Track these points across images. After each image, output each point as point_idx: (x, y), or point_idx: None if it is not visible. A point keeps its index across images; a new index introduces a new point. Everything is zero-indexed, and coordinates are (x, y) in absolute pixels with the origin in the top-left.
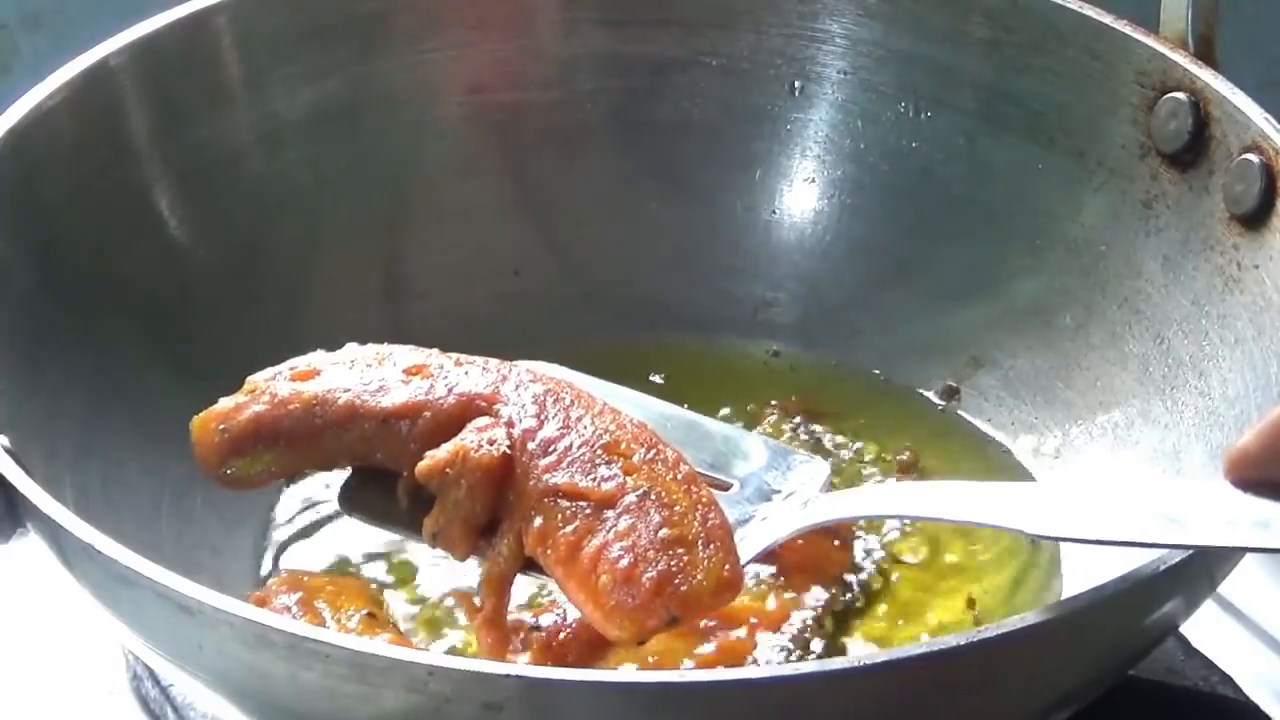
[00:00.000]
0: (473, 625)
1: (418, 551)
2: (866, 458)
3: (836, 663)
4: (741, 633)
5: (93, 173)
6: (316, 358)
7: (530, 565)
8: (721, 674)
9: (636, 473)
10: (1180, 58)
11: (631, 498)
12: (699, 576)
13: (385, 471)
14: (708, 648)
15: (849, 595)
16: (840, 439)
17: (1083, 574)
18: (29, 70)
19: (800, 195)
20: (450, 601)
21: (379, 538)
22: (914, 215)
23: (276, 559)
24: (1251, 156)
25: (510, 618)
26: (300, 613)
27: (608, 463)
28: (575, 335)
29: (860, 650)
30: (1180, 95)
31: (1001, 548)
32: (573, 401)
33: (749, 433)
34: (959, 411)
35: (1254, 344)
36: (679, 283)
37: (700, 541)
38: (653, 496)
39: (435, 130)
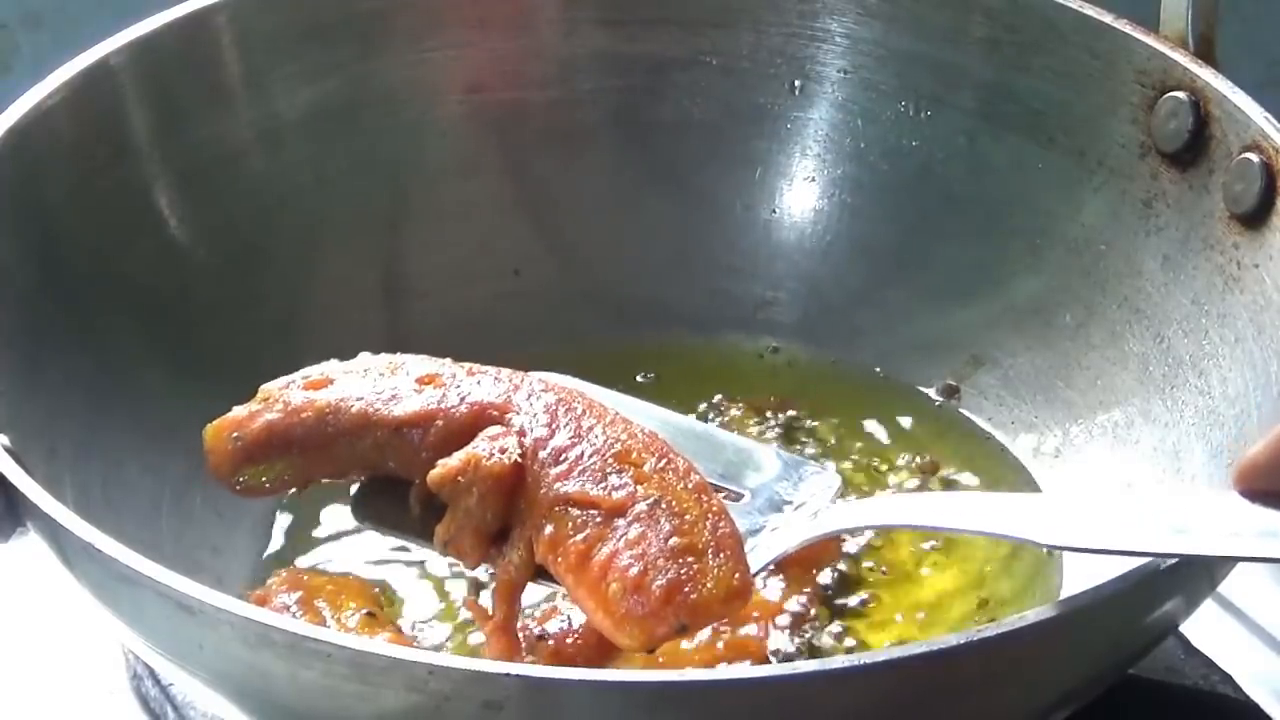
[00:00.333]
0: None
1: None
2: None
3: (836, 662)
4: (752, 629)
5: (93, 172)
6: (329, 366)
7: (541, 573)
8: (721, 673)
9: (647, 482)
10: (1180, 57)
11: (642, 506)
12: (709, 585)
13: (397, 480)
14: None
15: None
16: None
17: (1083, 573)
18: (29, 69)
19: (800, 194)
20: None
21: (379, 538)
22: (914, 214)
23: (276, 558)
24: (1251, 156)
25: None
26: (300, 612)
27: (619, 471)
28: (575, 334)
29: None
30: (1180, 94)
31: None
32: (584, 411)
33: (760, 444)
34: (960, 410)
35: (1254, 343)
36: (679, 282)
37: (710, 550)
38: (663, 505)
39: (435, 129)
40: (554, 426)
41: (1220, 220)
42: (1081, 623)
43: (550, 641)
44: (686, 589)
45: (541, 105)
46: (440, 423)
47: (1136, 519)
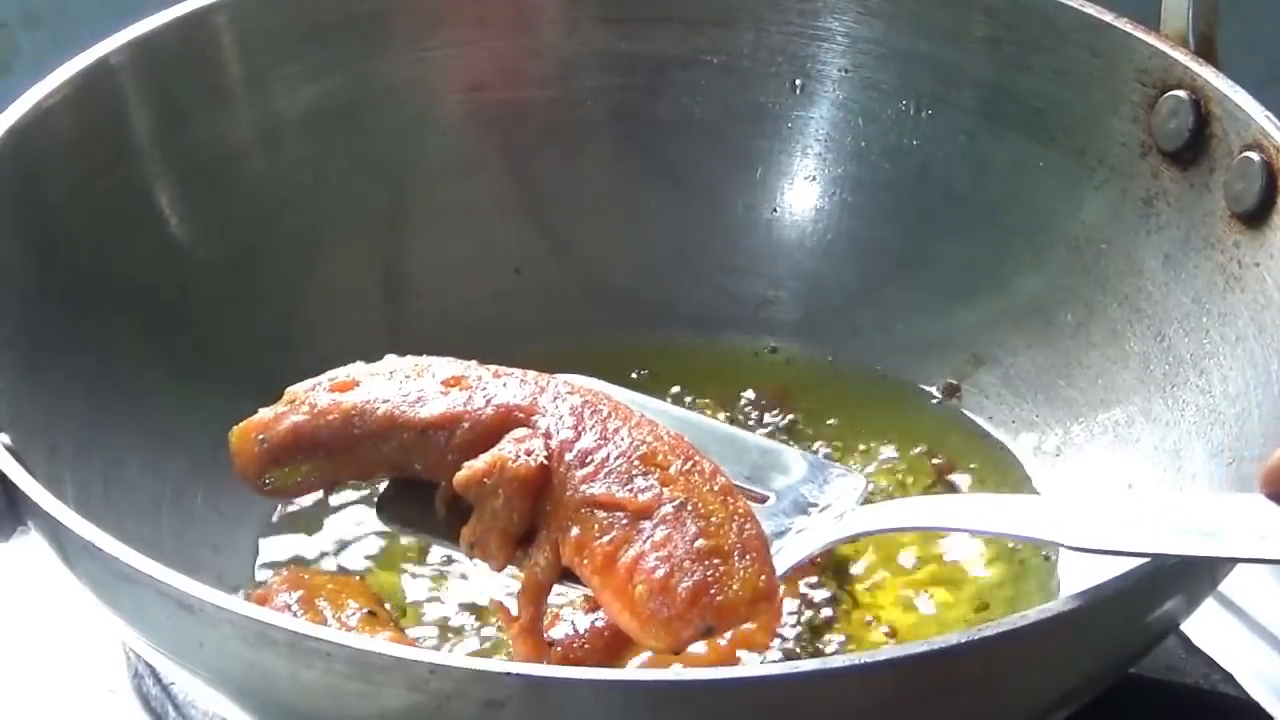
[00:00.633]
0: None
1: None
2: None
3: (837, 661)
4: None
5: (93, 171)
6: (356, 369)
7: (567, 575)
8: (722, 672)
9: (673, 484)
10: (1181, 55)
11: (668, 508)
12: (735, 587)
13: (423, 482)
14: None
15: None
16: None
17: (1082, 572)
18: (29, 69)
19: (801, 193)
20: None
21: (380, 538)
22: (915, 213)
23: (277, 557)
24: (1252, 154)
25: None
26: (301, 611)
27: (644, 474)
28: (576, 334)
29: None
30: (1181, 93)
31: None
32: (610, 413)
33: (786, 446)
34: (961, 409)
35: (1255, 342)
36: (680, 281)
37: (736, 552)
38: (689, 507)
39: (436, 129)
40: (580, 429)
41: (1221, 219)
42: (1082, 622)
43: (558, 648)
44: (712, 591)
45: (542, 104)
46: (466, 425)
47: (1166, 521)
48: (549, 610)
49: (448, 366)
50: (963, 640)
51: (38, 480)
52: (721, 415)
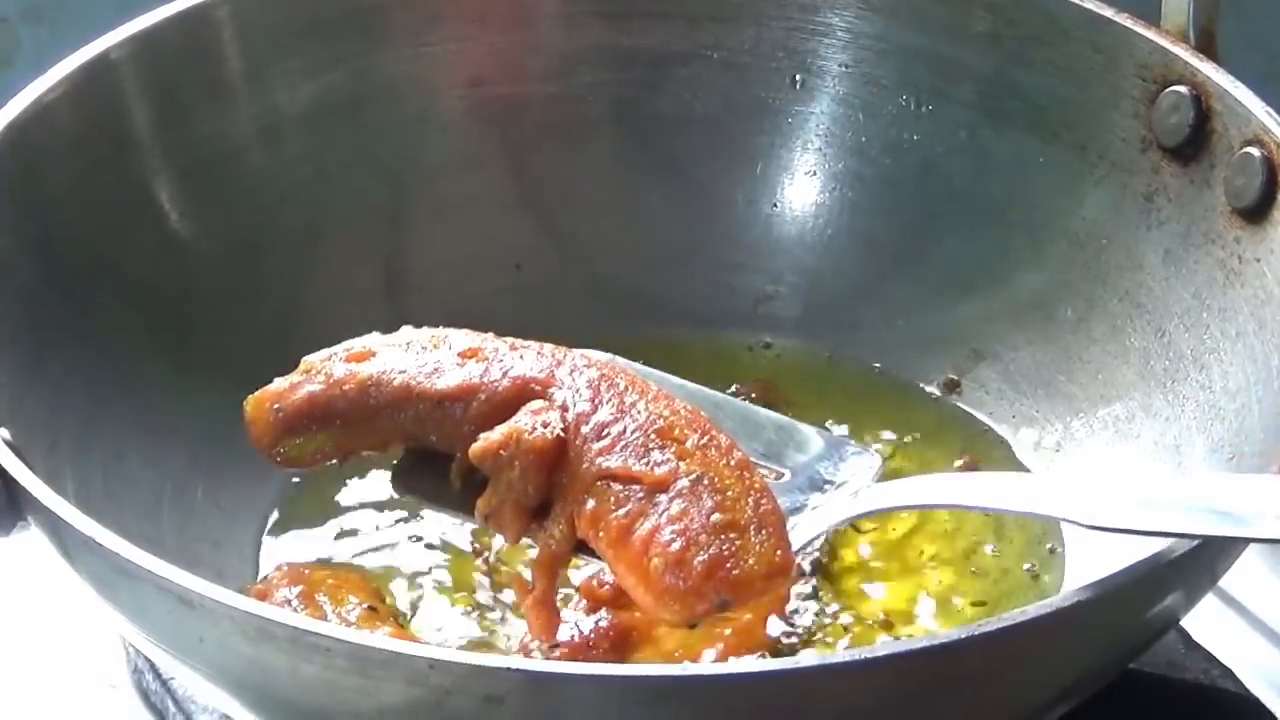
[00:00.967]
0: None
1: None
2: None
3: (837, 656)
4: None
5: (93, 166)
6: (372, 339)
7: (582, 548)
8: (721, 668)
9: (689, 458)
10: (1181, 51)
11: (684, 482)
12: (750, 561)
13: (438, 453)
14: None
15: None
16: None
17: (1084, 567)
18: (30, 63)
19: (801, 188)
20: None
21: (380, 532)
22: (915, 209)
23: (277, 552)
24: (1253, 150)
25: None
26: (301, 606)
27: (661, 447)
28: (577, 329)
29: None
30: (1181, 89)
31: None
32: (627, 387)
33: (802, 424)
34: (960, 405)
35: (1255, 337)
36: (680, 276)
37: (752, 527)
38: (705, 481)
39: (436, 124)
40: (597, 402)
41: (1221, 214)
42: (1082, 617)
43: (564, 649)
44: (728, 565)
45: (542, 99)
46: (482, 397)
47: (1184, 501)
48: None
49: (464, 338)
50: (964, 635)
51: (38, 475)
52: None
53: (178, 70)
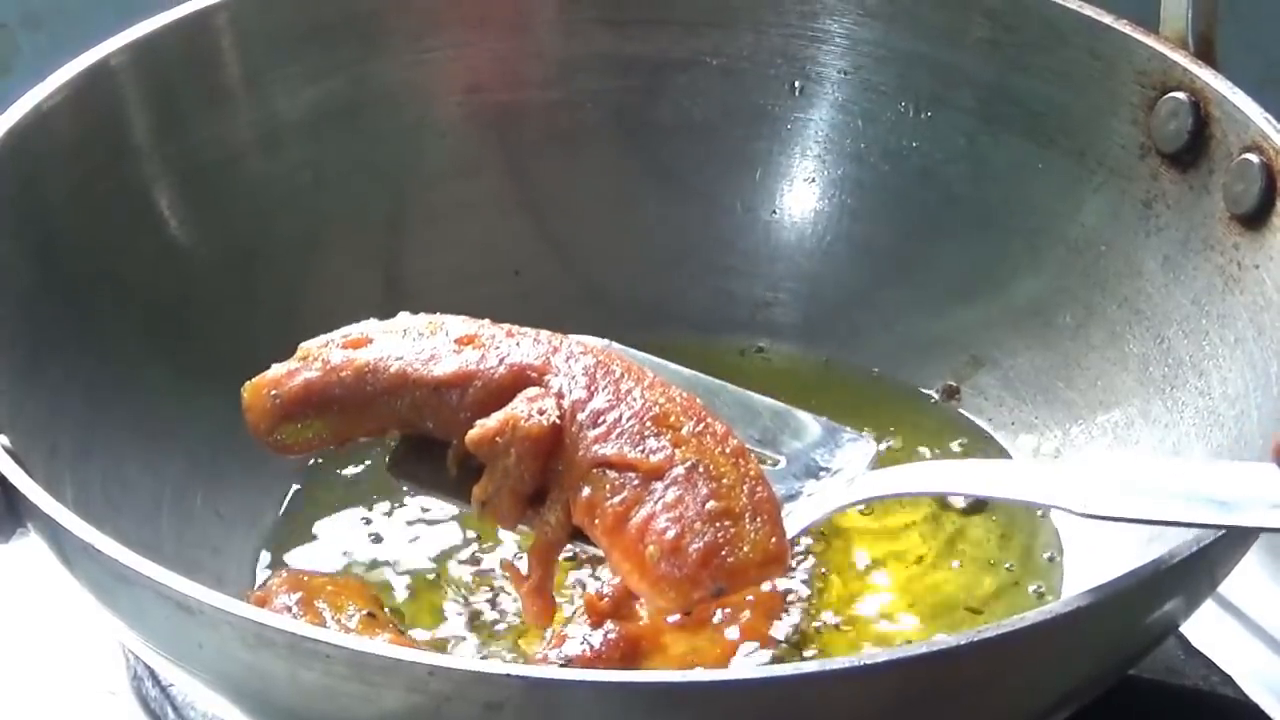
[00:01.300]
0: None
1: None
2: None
3: (838, 662)
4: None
5: (93, 172)
6: (369, 326)
7: (578, 535)
8: (722, 674)
9: (685, 445)
10: (1180, 57)
11: (679, 470)
12: (745, 549)
13: (435, 440)
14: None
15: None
16: None
17: (1083, 573)
18: (30, 70)
19: (800, 195)
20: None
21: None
22: (914, 215)
23: (277, 559)
24: (1251, 156)
25: (536, 653)
26: (300, 612)
27: (656, 435)
28: (575, 334)
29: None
30: (1180, 95)
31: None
32: (623, 374)
33: (798, 410)
34: (959, 410)
35: (1254, 344)
36: (679, 283)
37: (747, 514)
38: (701, 469)
39: (435, 130)
40: (593, 389)
41: (1220, 221)
42: (1082, 623)
43: (576, 663)
44: (723, 553)
45: (541, 106)
46: (479, 383)
47: (1177, 489)
48: (555, 633)
49: (461, 325)
50: (963, 641)
51: (37, 481)
52: None
53: (177, 77)
